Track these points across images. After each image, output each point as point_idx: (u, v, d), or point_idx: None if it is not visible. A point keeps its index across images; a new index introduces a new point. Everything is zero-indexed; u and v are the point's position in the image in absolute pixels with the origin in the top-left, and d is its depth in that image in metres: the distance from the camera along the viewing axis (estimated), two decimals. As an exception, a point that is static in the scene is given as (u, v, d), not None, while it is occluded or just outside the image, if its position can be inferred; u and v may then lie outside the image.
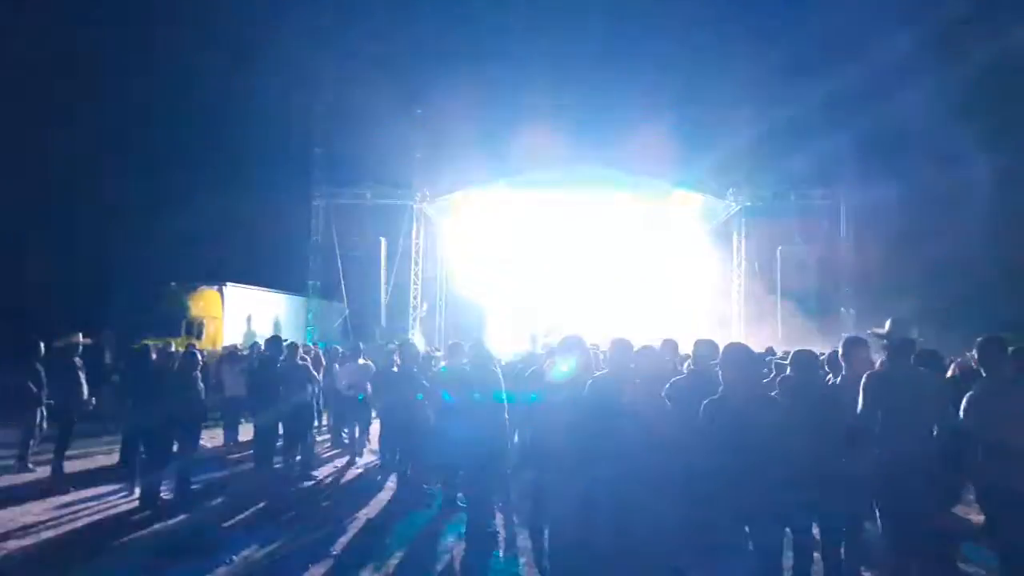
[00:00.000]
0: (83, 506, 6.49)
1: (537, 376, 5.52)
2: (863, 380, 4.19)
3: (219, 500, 6.82)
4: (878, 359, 4.64)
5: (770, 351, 9.17)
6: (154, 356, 7.44)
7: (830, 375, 5.54)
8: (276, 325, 19.68)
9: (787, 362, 4.77)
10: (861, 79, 16.07)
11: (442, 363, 8.21)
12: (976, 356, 4.37)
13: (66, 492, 6.90)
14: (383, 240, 21.10)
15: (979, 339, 4.27)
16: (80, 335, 8.25)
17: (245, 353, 10.83)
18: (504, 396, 5.39)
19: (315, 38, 17.46)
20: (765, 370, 6.40)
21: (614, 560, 3.86)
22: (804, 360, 4.37)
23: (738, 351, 4.05)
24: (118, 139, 19.22)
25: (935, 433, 4.11)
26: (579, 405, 4.10)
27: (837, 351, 5.45)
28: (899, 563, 4.18)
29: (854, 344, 4.79)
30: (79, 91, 18.19)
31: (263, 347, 8.78)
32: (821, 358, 6.15)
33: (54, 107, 17.85)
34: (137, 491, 6.71)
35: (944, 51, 15.47)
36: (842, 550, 4.29)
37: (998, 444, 3.89)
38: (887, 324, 4.70)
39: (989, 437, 3.96)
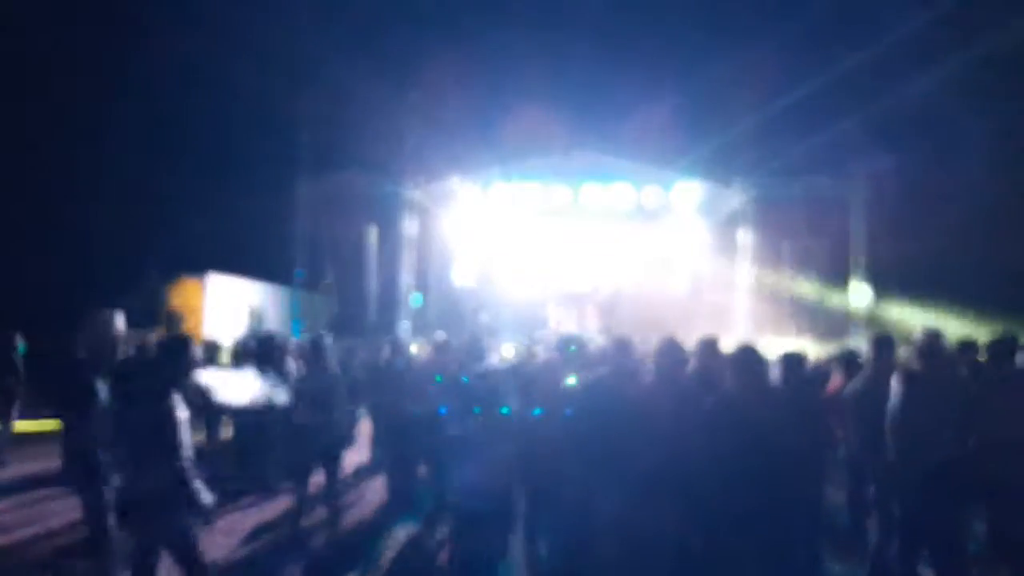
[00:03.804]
0: (60, 504, 6.52)
1: (535, 379, 5.51)
2: (895, 378, 4.35)
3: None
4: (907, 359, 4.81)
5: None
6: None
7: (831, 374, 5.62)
8: (260, 317, 19.67)
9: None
10: (873, 63, 16.05)
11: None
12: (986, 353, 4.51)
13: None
14: (372, 228, 21.09)
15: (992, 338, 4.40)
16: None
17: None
18: (506, 409, 5.35)
19: (301, 20, 17.37)
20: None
21: (616, 561, 3.94)
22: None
23: (745, 354, 4.14)
24: (94, 124, 19.12)
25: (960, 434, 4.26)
26: (579, 406, 4.17)
27: (850, 349, 5.57)
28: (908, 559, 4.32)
29: (883, 342, 4.96)
30: (54, 78, 18.10)
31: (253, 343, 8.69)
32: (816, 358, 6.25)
33: (28, 95, 17.75)
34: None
35: (962, 33, 15.45)
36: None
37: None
38: (917, 334, 4.85)
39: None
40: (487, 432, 4.87)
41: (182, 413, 3.75)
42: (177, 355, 3.94)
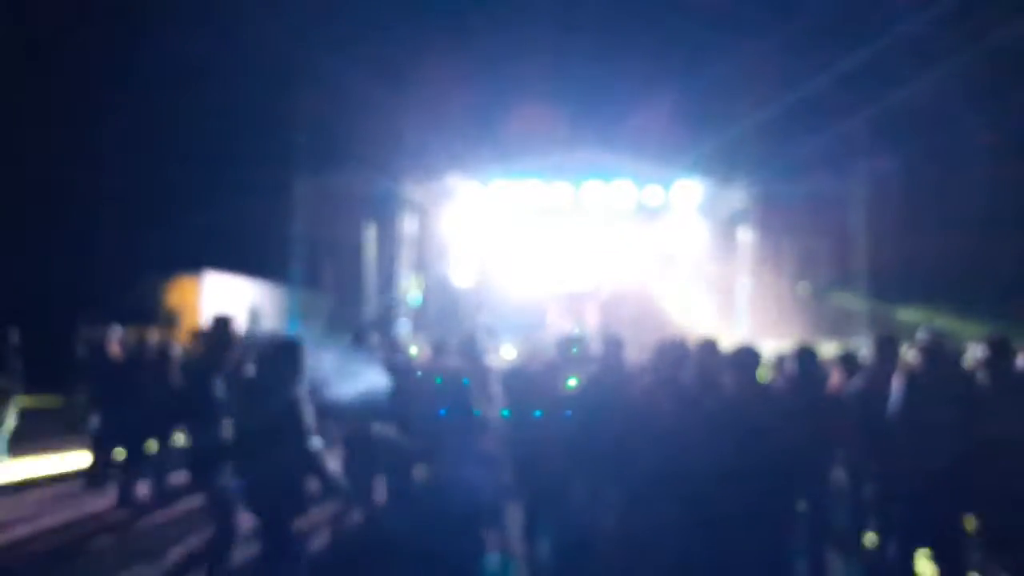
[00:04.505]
0: (56, 504, 6.56)
1: (535, 381, 5.54)
2: (896, 378, 4.41)
3: (196, 499, 6.88)
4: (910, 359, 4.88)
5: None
6: (118, 348, 7.49)
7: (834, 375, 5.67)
8: (258, 316, 19.69)
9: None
10: (876, 62, 16.04)
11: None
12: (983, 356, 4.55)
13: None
14: (371, 227, 21.09)
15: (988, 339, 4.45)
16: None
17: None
18: (506, 412, 5.39)
19: (298, 18, 17.36)
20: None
21: (617, 561, 4.00)
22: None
23: (744, 354, 4.19)
24: (90, 122, 19.14)
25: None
26: (578, 407, 4.22)
27: (852, 350, 5.63)
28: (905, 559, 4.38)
29: (886, 343, 5.02)
30: (52, 76, 18.11)
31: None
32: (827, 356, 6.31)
33: (25, 93, 17.77)
34: (111, 489, 6.78)
35: (965, 33, 15.45)
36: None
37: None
38: (919, 334, 4.91)
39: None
40: (457, 432, 4.91)
41: (307, 406, 4.07)
42: (294, 353, 4.21)
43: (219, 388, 4.53)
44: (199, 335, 7.40)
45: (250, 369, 4.92)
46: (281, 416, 4.01)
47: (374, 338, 6.76)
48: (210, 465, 4.46)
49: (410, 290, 19.98)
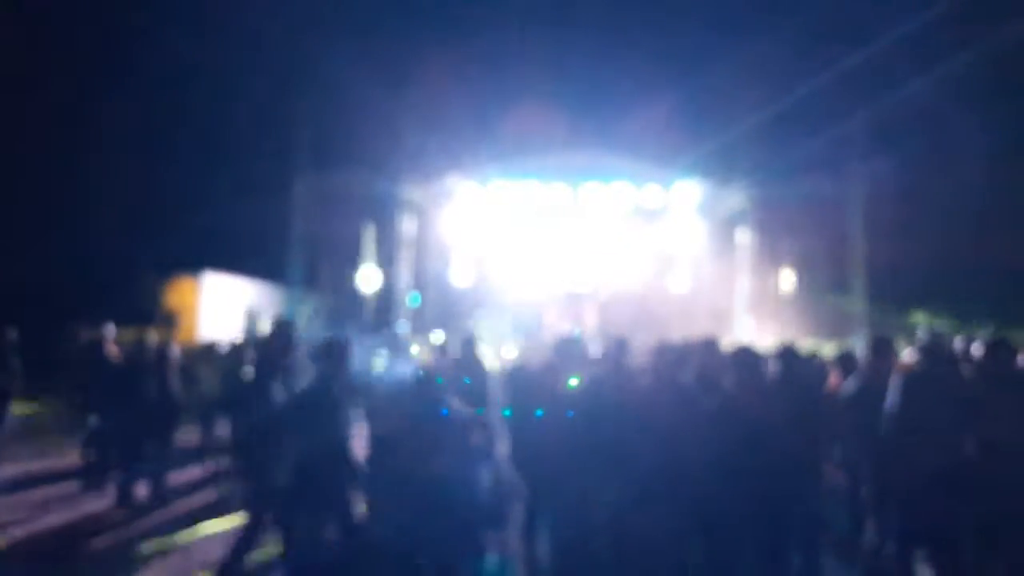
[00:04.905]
0: (55, 505, 6.55)
1: (535, 381, 5.53)
2: (894, 378, 4.40)
3: (195, 499, 6.89)
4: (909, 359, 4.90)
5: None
6: (114, 349, 7.48)
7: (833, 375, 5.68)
8: (256, 316, 19.68)
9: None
10: (873, 63, 16.08)
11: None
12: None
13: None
14: (370, 227, 21.11)
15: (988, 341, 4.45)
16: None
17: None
18: (507, 411, 5.39)
19: (298, 19, 17.37)
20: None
21: (617, 561, 4.00)
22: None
23: (743, 354, 4.20)
24: (90, 122, 19.13)
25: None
26: (579, 407, 4.22)
27: (849, 350, 5.63)
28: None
29: (882, 343, 5.02)
30: (52, 76, 18.12)
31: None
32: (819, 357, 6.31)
33: (26, 93, 17.77)
34: (109, 490, 6.77)
35: (962, 35, 15.48)
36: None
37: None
38: (920, 333, 4.94)
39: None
40: (456, 432, 4.92)
41: (344, 403, 4.36)
42: (340, 352, 4.47)
43: (278, 390, 4.66)
44: (264, 339, 7.65)
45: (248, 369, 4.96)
46: (322, 410, 4.28)
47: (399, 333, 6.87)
48: (259, 458, 4.58)
49: (409, 292, 19.99)
